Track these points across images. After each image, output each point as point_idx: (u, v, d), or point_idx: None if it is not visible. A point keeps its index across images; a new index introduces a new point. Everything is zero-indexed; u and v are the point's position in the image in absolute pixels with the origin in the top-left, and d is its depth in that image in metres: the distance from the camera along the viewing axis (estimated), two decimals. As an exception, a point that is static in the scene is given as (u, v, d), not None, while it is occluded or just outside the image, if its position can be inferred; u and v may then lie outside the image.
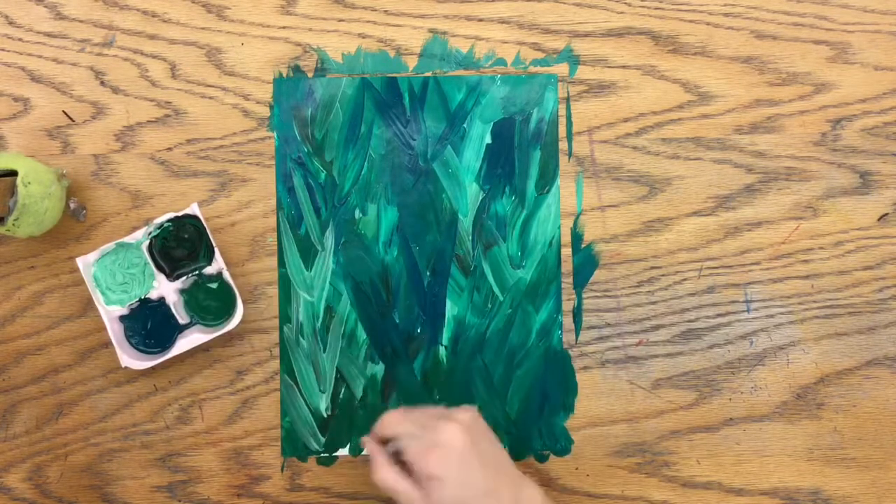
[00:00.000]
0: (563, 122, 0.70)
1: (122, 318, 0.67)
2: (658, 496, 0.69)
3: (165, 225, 0.67)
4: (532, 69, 0.70)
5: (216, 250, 0.67)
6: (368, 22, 0.70)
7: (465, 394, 0.69)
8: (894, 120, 0.70)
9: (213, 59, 0.70)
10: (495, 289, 0.70)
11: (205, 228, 0.67)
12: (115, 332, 0.67)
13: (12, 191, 0.64)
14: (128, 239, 0.67)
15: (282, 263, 0.70)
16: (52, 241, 0.70)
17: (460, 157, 0.70)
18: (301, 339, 0.69)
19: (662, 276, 0.70)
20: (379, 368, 0.70)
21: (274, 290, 0.70)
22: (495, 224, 0.70)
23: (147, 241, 0.67)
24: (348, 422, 0.69)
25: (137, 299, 0.67)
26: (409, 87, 0.70)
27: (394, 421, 0.60)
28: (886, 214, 0.70)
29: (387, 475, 0.58)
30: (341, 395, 0.69)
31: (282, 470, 0.70)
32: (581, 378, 0.69)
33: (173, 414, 0.70)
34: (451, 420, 0.58)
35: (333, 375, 0.70)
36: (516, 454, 0.69)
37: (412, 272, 0.70)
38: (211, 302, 0.68)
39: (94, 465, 0.70)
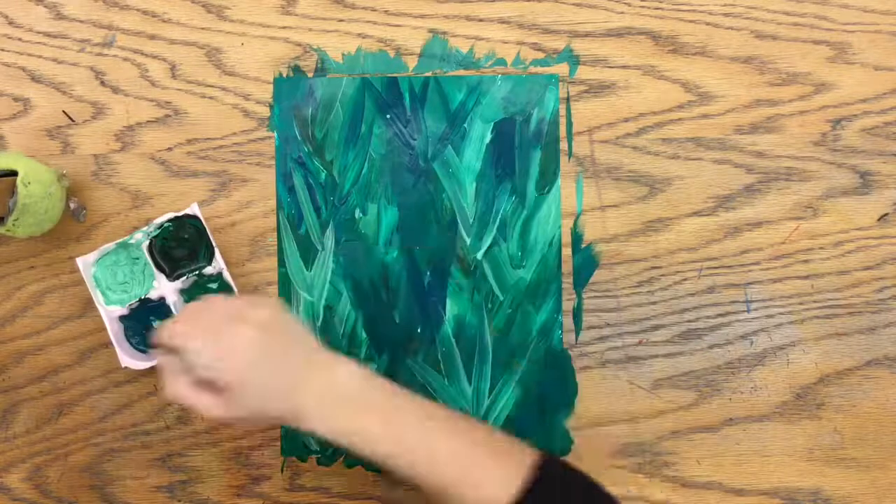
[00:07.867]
0: (563, 122, 0.70)
1: (122, 318, 0.67)
2: (658, 496, 0.69)
3: (165, 225, 0.67)
4: (532, 69, 0.70)
5: (216, 250, 0.67)
6: (368, 22, 0.70)
7: (464, 393, 0.69)
8: (894, 120, 0.70)
9: (213, 59, 0.70)
10: (495, 289, 0.69)
11: (205, 228, 0.67)
12: (115, 332, 0.67)
13: (12, 191, 0.64)
14: (128, 239, 0.67)
15: (282, 263, 0.70)
16: (52, 241, 0.69)
17: (461, 157, 0.70)
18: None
19: (662, 276, 0.70)
20: (379, 368, 0.69)
21: (274, 290, 0.70)
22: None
23: (147, 241, 0.67)
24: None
25: (137, 299, 0.67)
26: (409, 87, 0.70)
27: (179, 332, 0.54)
28: (886, 214, 0.70)
29: (179, 389, 0.53)
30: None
31: (282, 470, 0.70)
32: (581, 378, 0.69)
33: (173, 414, 0.70)
34: (242, 322, 0.53)
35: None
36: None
37: (412, 272, 0.70)
38: (211, 302, 0.68)
39: (94, 465, 0.70)
